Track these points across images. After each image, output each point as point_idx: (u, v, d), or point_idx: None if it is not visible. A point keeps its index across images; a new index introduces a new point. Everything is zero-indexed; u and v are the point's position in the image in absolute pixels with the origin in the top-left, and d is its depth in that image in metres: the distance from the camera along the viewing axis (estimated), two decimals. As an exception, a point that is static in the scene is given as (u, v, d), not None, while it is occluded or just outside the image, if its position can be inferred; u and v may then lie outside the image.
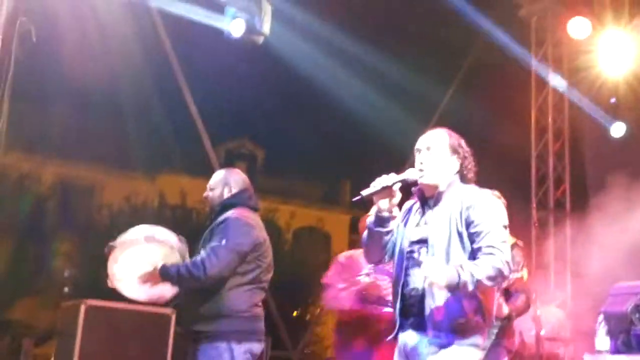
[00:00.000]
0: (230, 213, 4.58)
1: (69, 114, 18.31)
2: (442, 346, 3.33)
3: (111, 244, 4.58)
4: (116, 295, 4.79)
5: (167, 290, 4.53)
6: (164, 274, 4.40)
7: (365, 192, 3.49)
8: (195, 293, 4.44)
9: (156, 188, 19.25)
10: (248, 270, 4.50)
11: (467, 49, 10.90)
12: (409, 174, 3.55)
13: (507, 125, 11.03)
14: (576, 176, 10.29)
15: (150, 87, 15.61)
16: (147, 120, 18.52)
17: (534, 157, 10.45)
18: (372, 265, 5.09)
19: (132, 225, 4.83)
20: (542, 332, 6.48)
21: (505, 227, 3.49)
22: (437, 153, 3.58)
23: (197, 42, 10.73)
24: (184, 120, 10.77)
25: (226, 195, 4.71)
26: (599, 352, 5.30)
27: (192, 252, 4.62)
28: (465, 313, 3.32)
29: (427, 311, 3.34)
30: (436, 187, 3.55)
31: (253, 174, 25.31)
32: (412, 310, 3.44)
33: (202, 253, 4.38)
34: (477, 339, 3.38)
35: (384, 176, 3.50)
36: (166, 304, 4.72)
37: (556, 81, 9.88)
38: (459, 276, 3.23)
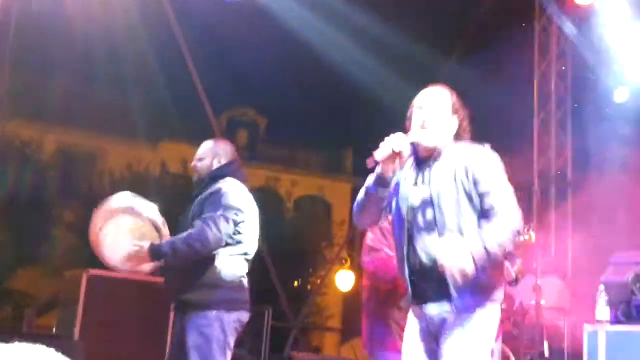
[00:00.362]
0: (222, 184, 4.54)
1: (72, 82, 18.25)
2: (468, 309, 3.28)
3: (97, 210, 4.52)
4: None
5: (147, 265, 4.48)
6: (155, 253, 4.34)
7: (378, 156, 3.33)
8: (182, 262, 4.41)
9: (158, 156, 19.27)
10: (238, 241, 4.49)
11: (469, 14, 10.80)
12: (415, 136, 3.44)
13: (511, 96, 10.97)
14: (578, 145, 10.25)
15: (152, 54, 15.53)
16: (149, 88, 18.44)
17: (536, 126, 10.39)
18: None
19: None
20: (543, 302, 6.49)
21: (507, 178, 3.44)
22: (437, 111, 3.50)
23: (200, 10, 10.65)
24: (186, 88, 10.73)
25: (215, 165, 4.65)
26: (599, 321, 5.30)
27: (176, 220, 4.61)
28: (486, 269, 3.24)
29: (449, 277, 3.21)
30: (435, 145, 3.46)
31: (254, 142, 25.55)
32: (428, 279, 3.35)
33: (199, 224, 4.32)
34: (498, 293, 3.36)
35: (394, 137, 3.36)
36: (151, 273, 4.65)
37: (566, 27, 9.71)
38: (487, 250, 3.16)
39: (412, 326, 3.49)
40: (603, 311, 5.30)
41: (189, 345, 4.33)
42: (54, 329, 7.51)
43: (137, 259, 4.39)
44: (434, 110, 3.49)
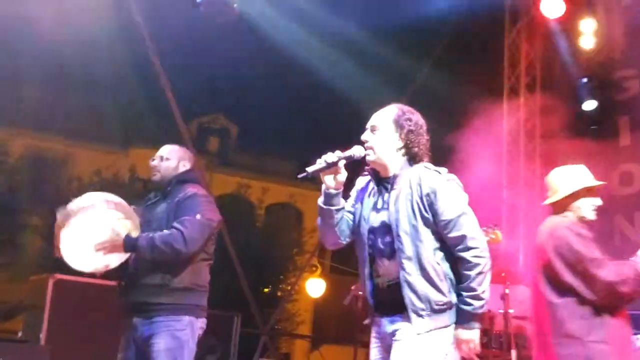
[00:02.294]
0: (193, 188, 4.56)
1: (43, 87, 18.10)
2: (424, 330, 3.36)
3: (62, 210, 4.39)
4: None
5: (113, 259, 4.37)
6: (130, 244, 4.29)
7: (310, 169, 3.45)
8: (154, 265, 4.34)
9: (128, 161, 19.13)
10: (209, 245, 4.51)
11: (444, 23, 10.88)
12: (354, 151, 3.51)
13: (482, 101, 11.05)
14: (547, 149, 10.33)
15: (123, 61, 15.46)
16: (120, 94, 18.37)
17: (505, 134, 10.47)
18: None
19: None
20: (511, 311, 6.53)
21: (466, 201, 3.49)
22: (381, 130, 3.55)
23: (170, 16, 10.61)
24: (157, 94, 10.68)
25: (181, 169, 4.67)
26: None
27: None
28: (443, 294, 3.37)
29: (407, 299, 3.36)
30: (385, 166, 3.53)
31: (226, 149, 25.48)
32: (388, 299, 3.45)
33: (178, 226, 4.30)
34: (453, 316, 3.42)
35: (330, 153, 3.47)
36: (111, 273, 4.52)
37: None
38: (474, 314, 3.39)
39: (372, 343, 3.59)
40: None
41: (158, 348, 4.29)
42: (19, 334, 7.43)
43: (110, 247, 4.31)
44: (376, 129, 3.56)
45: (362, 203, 3.61)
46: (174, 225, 4.33)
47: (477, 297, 3.35)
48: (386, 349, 3.49)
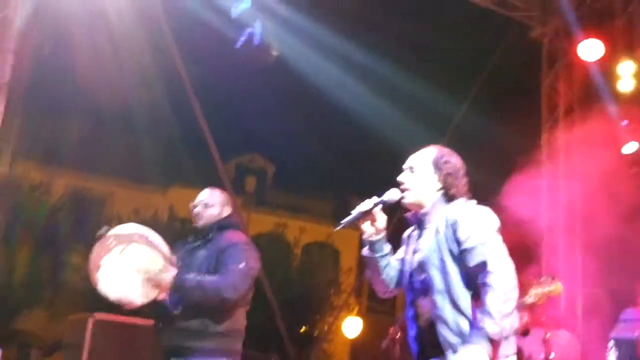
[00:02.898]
0: (235, 235, 4.62)
1: (83, 127, 18.44)
2: None
3: (106, 230, 4.45)
4: (126, 311, 4.73)
5: (138, 297, 4.37)
6: (179, 282, 4.33)
7: (345, 220, 3.46)
8: (195, 310, 4.38)
9: (166, 201, 19.30)
10: (248, 293, 4.56)
11: (481, 63, 10.89)
12: (389, 195, 3.50)
13: (521, 143, 11.00)
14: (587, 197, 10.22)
15: (162, 101, 15.69)
16: (159, 134, 18.62)
17: (546, 185, 10.36)
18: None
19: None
20: (552, 356, 6.42)
21: (497, 230, 3.36)
22: (418, 171, 3.52)
23: (209, 57, 10.77)
24: (195, 134, 10.81)
25: (224, 214, 4.71)
26: (608, 377, 5.25)
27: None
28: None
29: (441, 338, 3.29)
30: (421, 206, 3.50)
31: (263, 189, 25.59)
32: (428, 340, 3.38)
33: (226, 274, 4.35)
34: (506, 349, 3.30)
35: (365, 201, 3.47)
36: (156, 312, 4.56)
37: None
38: (489, 338, 3.14)
39: None
40: (611, 366, 5.26)
41: None
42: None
43: (156, 283, 4.34)
44: (413, 170, 3.54)
45: (407, 249, 3.60)
46: (222, 273, 4.39)
47: (490, 317, 3.13)
48: None
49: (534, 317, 6.30)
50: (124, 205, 19.04)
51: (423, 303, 3.42)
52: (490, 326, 3.13)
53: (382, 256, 3.56)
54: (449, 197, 3.49)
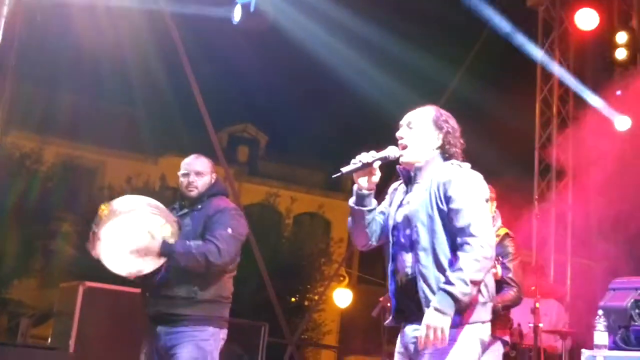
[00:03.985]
0: (223, 202, 4.61)
1: (75, 95, 18.32)
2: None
3: (106, 207, 4.39)
4: (115, 278, 4.72)
5: (148, 265, 4.36)
6: (166, 249, 4.32)
7: (345, 169, 3.42)
8: (181, 278, 4.37)
9: (158, 170, 19.27)
10: (235, 259, 4.55)
11: (476, 32, 10.82)
12: (389, 151, 3.46)
13: (514, 111, 10.98)
14: (579, 168, 10.23)
15: (156, 70, 15.58)
16: (152, 104, 18.52)
17: (537, 149, 10.39)
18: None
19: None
20: (541, 325, 6.45)
21: (486, 200, 3.38)
22: (418, 128, 3.49)
23: (203, 26, 10.68)
24: (188, 104, 10.74)
25: (211, 182, 4.68)
26: (598, 347, 5.25)
27: None
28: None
29: (421, 293, 3.27)
30: (416, 164, 3.47)
31: (255, 159, 25.56)
32: (406, 296, 3.37)
33: (213, 239, 4.35)
34: (482, 314, 3.33)
35: (364, 153, 3.43)
36: (143, 280, 4.52)
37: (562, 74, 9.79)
38: (454, 298, 3.14)
39: (396, 348, 3.50)
40: (601, 336, 5.26)
41: (182, 358, 4.32)
42: (49, 340, 7.49)
43: (145, 251, 4.33)
44: (413, 127, 3.51)
45: (391, 203, 3.57)
46: (209, 237, 4.38)
47: (463, 280, 3.14)
48: (405, 353, 3.41)
49: (524, 287, 6.32)
50: (115, 174, 19.01)
51: (404, 258, 3.40)
52: (459, 285, 3.14)
53: (370, 210, 3.51)
54: (446, 156, 3.47)
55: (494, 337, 4.84)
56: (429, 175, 3.42)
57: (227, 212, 4.52)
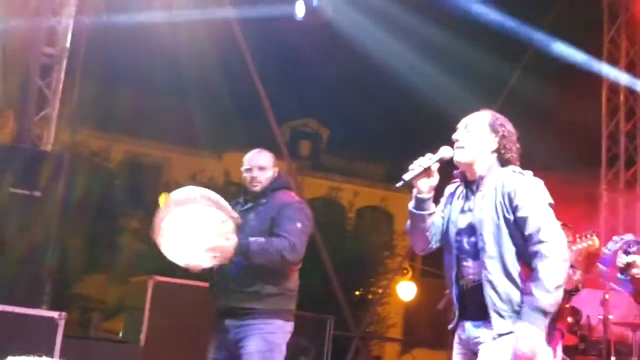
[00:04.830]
0: (288, 196, 4.63)
1: (138, 93, 18.62)
2: (505, 331, 3.31)
3: (165, 196, 4.37)
4: (182, 273, 4.78)
5: (206, 260, 4.34)
6: (242, 248, 4.32)
7: (407, 176, 3.45)
8: (251, 273, 4.40)
9: (222, 166, 19.47)
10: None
11: (535, 25, 10.65)
12: (443, 152, 3.50)
13: (578, 104, 10.77)
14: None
15: (217, 67, 15.74)
16: (214, 100, 18.71)
17: (605, 137, 10.20)
18: None
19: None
20: (611, 317, 6.35)
21: (550, 205, 3.41)
22: (474, 131, 3.52)
23: (264, 22, 10.75)
24: (250, 99, 10.84)
25: (274, 176, 4.69)
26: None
27: None
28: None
29: (488, 300, 3.33)
30: (474, 167, 3.50)
31: (317, 153, 25.64)
32: (472, 301, 3.42)
33: (286, 235, 4.38)
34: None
35: (422, 158, 3.47)
36: (210, 275, 4.57)
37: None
38: (542, 311, 3.22)
39: (455, 349, 3.55)
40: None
41: (250, 350, 4.38)
42: (120, 334, 7.65)
43: (219, 250, 4.31)
44: (468, 129, 3.54)
45: (450, 206, 3.60)
46: (281, 233, 4.41)
47: (545, 290, 3.21)
48: (469, 355, 3.46)
49: (591, 278, 6.21)
50: (179, 171, 19.26)
51: (469, 264, 3.46)
52: (544, 297, 3.21)
53: (430, 214, 3.55)
54: (503, 161, 3.50)
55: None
56: (491, 182, 3.45)
57: (293, 206, 4.55)
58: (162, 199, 4.39)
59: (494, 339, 3.31)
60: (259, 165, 4.67)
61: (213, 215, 4.36)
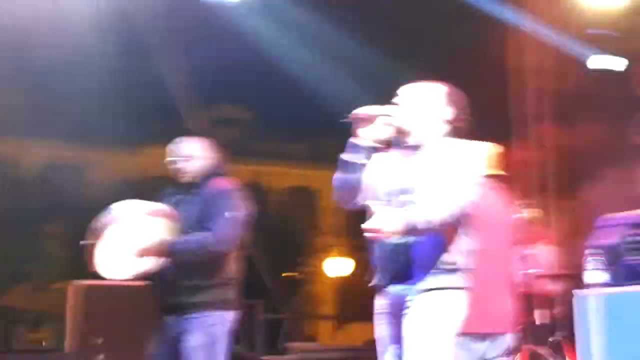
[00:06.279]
0: (219, 183, 4.55)
1: (41, 94, 18.05)
2: (428, 287, 3.34)
3: (96, 229, 4.36)
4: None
5: (151, 262, 4.37)
6: (165, 249, 4.31)
7: (353, 113, 3.45)
8: (188, 267, 4.37)
9: (139, 162, 19.16)
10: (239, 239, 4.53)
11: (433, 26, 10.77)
12: (392, 112, 3.48)
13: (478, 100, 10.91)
14: (559, 112, 10.23)
15: (126, 58, 15.35)
16: (126, 95, 18.31)
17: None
18: None
19: (118, 200, 4.63)
20: (531, 271, 6.46)
21: (474, 173, 3.46)
22: (428, 100, 3.54)
23: (171, 10, 10.54)
24: (165, 88, 10.62)
25: (207, 162, 4.59)
26: (589, 286, 5.27)
27: None
28: (450, 254, 3.34)
29: (414, 258, 3.34)
30: (416, 133, 3.51)
31: (238, 139, 25.37)
32: (396, 261, 3.40)
33: (210, 227, 4.33)
34: (461, 280, 3.38)
35: (372, 106, 3.47)
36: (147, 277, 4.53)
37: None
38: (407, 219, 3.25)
39: (378, 309, 3.56)
40: (592, 275, 5.27)
41: (191, 345, 4.35)
42: (43, 343, 7.49)
43: (144, 252, 4.30)
44: (421, 97, 3.54)
45: (383, 166, 3.58)
46: (206, 226, 4.35)
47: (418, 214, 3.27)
48: (396, 322, 3.44)
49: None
50: (97, 171, 18.87)
51: None
52: (420, 216, 3.26)
53: (361, 165, 3.50)
54: (455, 131, 3.53)
55: None
56: (434, 149, 3.45)
57: (223, 194, 4.47)
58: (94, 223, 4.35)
59: (419, 293, 3.32)
60: (184, 155, 4.59)
61: (148, 221, 4.35)
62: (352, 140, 3.49)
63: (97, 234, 4.32)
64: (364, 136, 3.46)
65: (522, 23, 10.14)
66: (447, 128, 3.51)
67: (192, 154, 4.59)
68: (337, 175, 3.54)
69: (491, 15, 9.73)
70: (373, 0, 11.74)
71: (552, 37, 9.37)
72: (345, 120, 3.43)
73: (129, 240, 4.30)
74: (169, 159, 4.59)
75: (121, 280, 4.47)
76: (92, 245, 4.32)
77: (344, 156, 3.50)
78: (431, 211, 3.26)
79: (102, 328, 6.72)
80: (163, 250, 4.29)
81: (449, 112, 3.51)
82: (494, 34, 10.41)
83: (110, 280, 4.62)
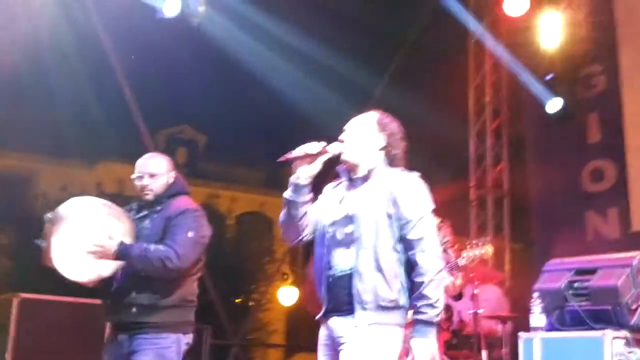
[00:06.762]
0: (183, 202, 4.45)
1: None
2: (365, 323, 3.33)
3: (51, 215, 4.22)
4: (54, 288, 4.58)
5: (105, 267, 4.25)
6: (122, 251, 4.18)
7: (289, 155, 3.43)
8: (140, 282, 4.25)
9: (93, 177, 18.95)
10: (198, 261, 4.43)
11: (403, 33, 10.87)
12: (333, 147, 3.49)
13: (444, 111, 11.06)
14: (514, 154, 10.37)
15: (83, 73, 15.21)
16: (82, 109, 18.10)
17: (472, 136, 10.48)
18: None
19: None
20: (480, 311, 6.52)
21: (433, 211, 3.49)
22: (362, 130, 3.55)
23: (132, 26, 10.48)
24: (121, 107, 10.54)
25: (170, 182, 4.53)
26: (534, 329, 5.34)
27: None
28: (392, 292, 3.34)
29: (354, 290, 3.33)
30: (359, 163, 3.52)
31: (194, 160, 25.33)
32: (338, 293, 3.41)
33: (172, 244, 4.21)
34: (399, 317, 3.39)
35: (310, 144, 3.45)
36: (99, 291, 4.47)
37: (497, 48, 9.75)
38: (430, 323, 3.35)
39: (320, 341, 3.54)
40: (538, 318, 5.35)
41: None
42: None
43: (101, 253, 4.19)
44: (357, 129, 3.56)
45: (328, 199, 3.60)
46: (168, 242, 4.24)
47: (431, 306, 3.33)
48: (334, 354, 3.44)
49: (464, 277, 6.38)
50: (49, 183, 18.59)
51: (340, 254, 3.44)
52: (432, 311, 3.32)
53: (304, 202, 3.51)
54: (390, 160, 3.53)
55: None
56: (377, 180, 3.48)
57: (187, 214, 4.36)
58: (49, 218, 4.21)
59: (355, 327, 3.32)
60: (150, 172, 4.48)
61: (107, 220, 4.26)
62: (291, 179, 3.48)
63: (52, 229, 4.17)
64: (304, 174, 3.46)
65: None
66: (382, 156, 3.53)
67: (157, 172, 4.49)
68: (281, 215, 3.57)
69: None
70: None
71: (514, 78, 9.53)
72: (281, 160, 3.43)
73: (86, 238, 4.17)
74: (135, 174, 4.53)
75: (79, 282, 4.24)
76: (47, 243, 4.14)
77: (286, 195, 3.51)
78: (435, 291, 3.34)
79: (49, 343, 6.59)
80: (120, 252, 4.18)
81: (381, 139, 3.53)
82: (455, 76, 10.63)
83: (57, 289, 4.49)
